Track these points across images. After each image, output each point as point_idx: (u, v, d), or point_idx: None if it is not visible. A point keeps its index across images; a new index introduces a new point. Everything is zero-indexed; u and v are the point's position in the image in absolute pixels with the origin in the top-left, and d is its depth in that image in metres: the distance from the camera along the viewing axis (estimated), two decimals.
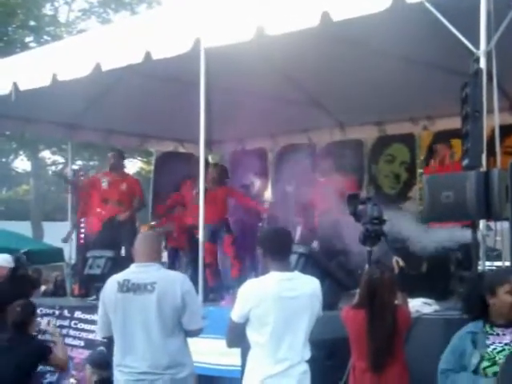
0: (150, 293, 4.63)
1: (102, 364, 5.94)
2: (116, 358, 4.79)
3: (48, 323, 6.58)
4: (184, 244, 9.75)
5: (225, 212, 9.49)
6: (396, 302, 4.96)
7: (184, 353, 4.79)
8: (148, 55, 6.92)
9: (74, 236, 10.84)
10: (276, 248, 4.42)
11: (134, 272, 4.78)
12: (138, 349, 4.66)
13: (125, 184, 9.64)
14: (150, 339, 4.65)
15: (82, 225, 11.13)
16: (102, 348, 7.03)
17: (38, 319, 6.57)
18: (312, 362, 4.36)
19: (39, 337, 7.21)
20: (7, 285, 7.84)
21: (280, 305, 4.27)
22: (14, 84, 8.09)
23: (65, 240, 10.55)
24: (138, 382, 4.64)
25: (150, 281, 4.66)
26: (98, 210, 9.66)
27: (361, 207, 5.73)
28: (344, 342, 4.95)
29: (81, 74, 7.51)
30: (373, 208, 5.61)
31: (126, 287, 4.69)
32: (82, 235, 11.04)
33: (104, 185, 9.64)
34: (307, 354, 4.36)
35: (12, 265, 8.47)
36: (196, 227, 7.48)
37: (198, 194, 7.25)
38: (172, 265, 10.27)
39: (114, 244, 9.01)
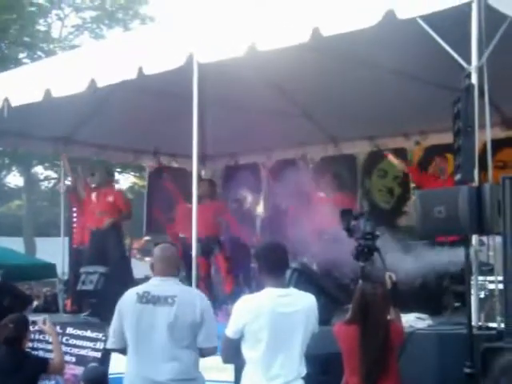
0: (170, 305, 4.64)
1: (97, 380, 5.90)
2: (129, 370, 4.75)
3: (44, 322, 6.52)
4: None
5: (215, 227, 9.49)
6: (389, 317, 4.95)
7: (196, 367, 4.78)
8: (141, 70, 6.94)
9: (66, 252, 10.81)
10: (272, 264, 4.41)
11: (155, 285, 4.79)
12: (154, 360, 4.65)
13: (111, 196, 9.74)
14: (165, 351, 4.64)
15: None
16: (94, 364, 7.00)
17: (35, 318, 6.49)
18: (306, 377, 4.35)
19: (36, 336, 7.28)
20: None
21: (275, 321, 4.25)
22: (6, 100, 8.10)
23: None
24: None
25: (171, 294, 4.68)
26: (88, 223, 9.81)
27: (354, 222, 5.73)
28: (337, 358, 4.92)
29: (75, 90, 7.52)
30: (366, 223, 5.61)
31: (146, 299, 4.70)
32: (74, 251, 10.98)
33: (93, 198, 9.82)
34: (303, 371, 4.34)
35: None
36: (187, 240, 7.51)
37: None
38: None
39: (101, 255, 9.07)
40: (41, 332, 7.19)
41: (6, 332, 5.97)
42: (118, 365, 6.61)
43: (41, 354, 7.16)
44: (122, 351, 4.83)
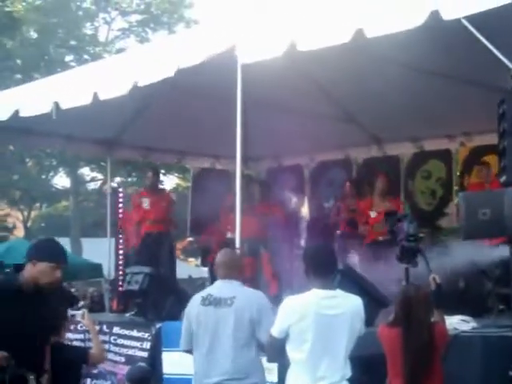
0: (229, 306, 4.92)
1: (142, 380, 5.97)
2: (195, 370, 5.05)
3: (83, 315, 6.62)
4: None
5: (263, 228, 9.53)
6: (432, 319, 4.93)
7: (256, 366, 4.97)
8: (179, 70, 7.00)
9: (112, 252, 10.96)
10: (318, 265, 4.44)
11: (217, 287, 5.12)
12: (216, 360, 4.89)
13: (165, 202, 10.01)
14: (225, 350, 4.88)
15: (121, 241, 11.22)
16: (141, 364, 7.09)
17: (73, 312, 6.59)
18: (350, 379, 4.36)
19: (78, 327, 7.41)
20: None
21: (320, 322, 4.27)
22: (55, 103, 8.24)
23: None
24: None
25: (230, 295, 4.97)
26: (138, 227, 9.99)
27: (398, 224, 5.72)
28: (381, 359, 4.93)
29: (120, 93, 7.62)
30: (409, 225, 5.59)
31: (208, 301, 5.02)
32: (121, 251, 11.12)
33: (145, 205, 9.95)
34: (348, 373, 4.36)
35: None
36: (232, 242, 7.54)
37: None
38: (213, 281, 10.33)
39: (153, 257, 9.22)
40: (80, 324, 7.28)
41: None
42: (172, 366, 6.78)
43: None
44: (191, 352, 5.10)
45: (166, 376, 7.06)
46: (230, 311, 4.92)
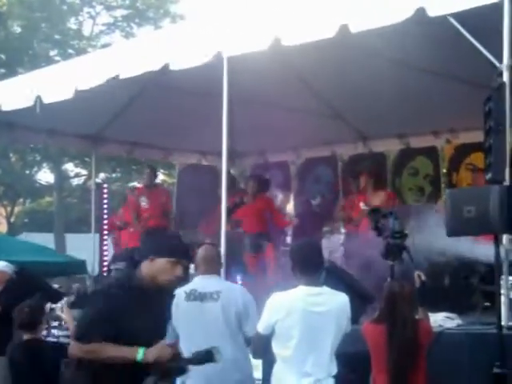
0: (215, 300, 5.07)
1: None
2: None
3: (61, 309, 6.56)
4: None
5: (265, 222, 9.54)
6: (417, 316, 4.94)
7: (245, 358, 5.10)
8: (166, 65, 6.97)
9: (97, 248, 10.90)
10: (305, 262, 4.44)
11: (200, 283, 5.19)
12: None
13: (163, 197, 10.24)
14: (213, 343, 4.73)
15: (106, 237, 11.15)
16: None
17: (53, 306, 6.53)
18: (336, 376, 4.36)
19: (54, 323, 7.37)
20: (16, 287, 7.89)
21: (306, 319, 4.28)
22: (39, 97, 8.19)
23: None
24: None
25: (215, 289, 5.10)
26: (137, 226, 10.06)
27: (382, 221, 5.71)
28: (365, 356, 4.93)
29: (97, 83, 7.57)
30: (394, 222, 5.59)
31: (194, 296, 5.12)
32: (105, 247, 11.04)
33: (144, 204, 10.03)
34: (334, 370, 4.37)
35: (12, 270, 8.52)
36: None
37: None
38: None
39: None
40: (59, 319, 7.20)
41: (22, 316, 5.93)
42: None
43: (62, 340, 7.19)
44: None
45: None
46: (216, 305, 5.04)
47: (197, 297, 5.12)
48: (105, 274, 10.15)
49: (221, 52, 6.64)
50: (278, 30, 6.27)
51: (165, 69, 6.98)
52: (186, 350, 4.87)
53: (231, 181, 9.70)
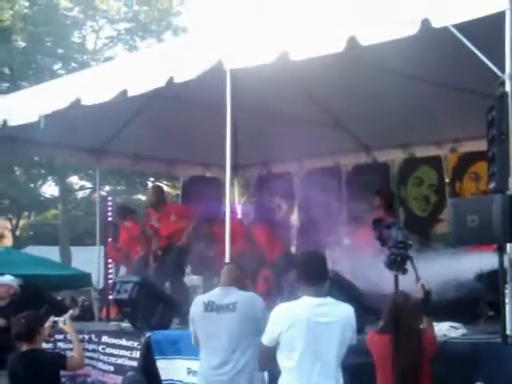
0: (232, 311, 5.37)
1: None
2: (200, 370, 5.62)
3: (64, 322, 6.57)
4: None
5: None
6: (421, 326, 4.93)
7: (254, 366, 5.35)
8: (171, 79, 6.99)
9: (101, 261, 10.90)
10: (309, 273, 4.44)
11: (218, 294, 5.55)
12: (215, 361, 5.39)
13: (172, 215, 9.79)
14: (226, 353, 5.35)
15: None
16: (132, 373, 7.07)
17: (56, 318, 6.56)
18: None
19: (60, 336, 7.51)
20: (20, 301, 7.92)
21: (310, 330, 4.27)
22: (43, 112, 8.20)
23: None
24: None
25: (232, 301, 5.41)
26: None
27: (386, 231, 5.71)
28: (370, 367, 4.92)
29: (105, 99, 7.60)
30: (397, 232, 5.58)
31: (211, 307, 5.47)
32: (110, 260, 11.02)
33: (155, 224, 9.80)
34: (340, 380, 4.37)
35: (17, 284, 8.55)
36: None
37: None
38: None
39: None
40: (61, 332, 7.24)
41: (18, 327, 5.98)
42: (169, 372, 6.86)
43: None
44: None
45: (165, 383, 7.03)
46: (232, 316, 5.35)
47: (214, 308, 5.45)
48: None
49: (224, 64, 6.66)
50: (285, 43, 6.26)
51: (170, 82, 7.00)
52: (203, 356, 5.52)
53: None
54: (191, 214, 9.91)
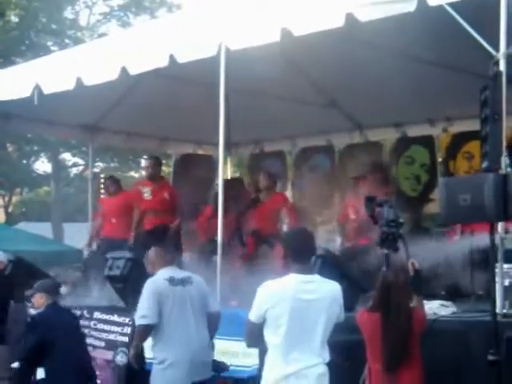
0: (191, 284, 5.68)
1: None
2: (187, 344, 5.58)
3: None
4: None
5: (273, 223, 9.31)
6: (411, 304, 4.96)
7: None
8: (172, 58, 6.95)
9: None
10: (297, 250, 4.43)
11: (171, 272, 5.72)
12: (189, 335, 5.57)
13: (167, 193, 9.71)
14: (201, 323, 5.67)
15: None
16: (123, 349, 7.17)
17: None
18: (329, 364, 4.37)
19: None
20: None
21: (296, 307, 4.27)
22: (37, 87, 8.15)
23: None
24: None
25: (186, 276, 5.75)
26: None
27: (377, 210, 5.71)
28: (360, 345, 4.95)
29: (107, 79, 7.55)
30: (389, 211, 5.58)
31: (175, 282, 5.64)
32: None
33: (146, 195, 9.66)
34: (326, 357, 4.36)
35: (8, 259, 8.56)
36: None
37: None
38: None
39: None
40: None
41: None
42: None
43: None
44: (153, 327, 5.52)
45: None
46: (193, 288, 5.66)
47: (178, 282, 5.64)
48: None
49: (220, 44, 6.64)
50: (286, 20, 6.23)
51: (171, 62, 6.96)
52: (183, 331, 5.54)
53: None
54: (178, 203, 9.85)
